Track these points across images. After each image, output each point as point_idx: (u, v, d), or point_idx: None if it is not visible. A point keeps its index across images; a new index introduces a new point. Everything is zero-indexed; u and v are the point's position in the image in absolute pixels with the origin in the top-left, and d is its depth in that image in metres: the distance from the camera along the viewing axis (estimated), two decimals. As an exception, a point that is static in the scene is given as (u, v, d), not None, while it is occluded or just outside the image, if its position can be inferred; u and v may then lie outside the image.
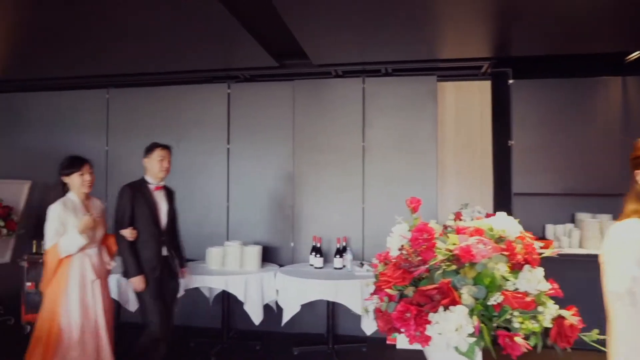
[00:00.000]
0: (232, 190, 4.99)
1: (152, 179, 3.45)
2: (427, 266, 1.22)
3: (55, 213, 3.03)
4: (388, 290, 1.26)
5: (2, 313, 5.06)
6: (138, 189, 3.39)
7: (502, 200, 4.57)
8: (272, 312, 4.31)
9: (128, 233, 3.23)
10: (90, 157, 5.27)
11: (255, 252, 4.33)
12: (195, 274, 4.09)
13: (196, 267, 4.40)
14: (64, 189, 3.20)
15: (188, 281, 3.76)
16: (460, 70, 4.79)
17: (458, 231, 1.35)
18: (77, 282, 3.06)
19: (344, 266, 4.31)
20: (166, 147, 3.50)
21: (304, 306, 3.99)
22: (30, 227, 5.19)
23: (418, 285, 1.26)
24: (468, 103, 4.89)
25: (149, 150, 3.48)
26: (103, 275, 3.27)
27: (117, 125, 5.29)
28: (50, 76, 5.23)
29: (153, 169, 3.44)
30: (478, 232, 1.35)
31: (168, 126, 5.14)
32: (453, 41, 4.19)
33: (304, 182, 4.86)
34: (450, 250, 1.26)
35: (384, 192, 4.74)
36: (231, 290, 4.04)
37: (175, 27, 3.77)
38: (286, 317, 4.00)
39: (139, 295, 3.31)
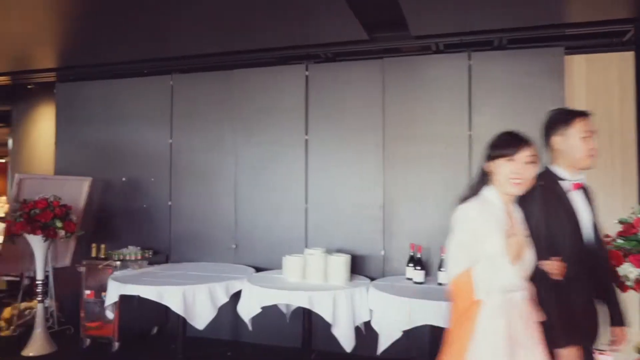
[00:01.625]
0: (310, 188, 4.29)
1: (569, 171, 2.07)
2: None
3: (467, 219, 1.85)
4: None
5: (63, 321, 4.64)
6: (551, 190, 2.02)
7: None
8: (359, 332, 3.56)
9: (554, 267, 1.86)
10: (153, 150, 4.87)
11: (342, 262, 3.60)
12: (272, 288, 3.42)
13: (271, 278, 3.74)
14: (483, 181, 1.94)
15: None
16: (594, 38, 3.84)
17: None
18: (494, 347, 1.76)
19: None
20: (589, 116, 2.11)
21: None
22: (90, 228, 4.75)
23: None
24: (604, 80, 3.91)
25: (564, 120, 2.07)
26: (535, 337, 1.84)
27: (181, 114, 4.73)
28: (112, 61, 4.77)
29: (573, 153, 2.03)
30: None
31: (238, 114, 4.52)
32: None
33: (397, 179, 4.08)
34: None
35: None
36: (317, 309, 3.32)
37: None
38: (384, 345, 3.22)
39: None
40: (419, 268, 3.60)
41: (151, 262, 4.36)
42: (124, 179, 4.83)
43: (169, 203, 4.67)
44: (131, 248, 4.35)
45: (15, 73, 5.26)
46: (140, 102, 4.86)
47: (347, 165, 4.20)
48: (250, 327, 3.50)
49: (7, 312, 4.60)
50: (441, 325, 3.09)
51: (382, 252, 4.07)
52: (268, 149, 4.41)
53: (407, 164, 4.07)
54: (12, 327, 4.48)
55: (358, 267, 4.04)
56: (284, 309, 3.94)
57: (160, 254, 4.59)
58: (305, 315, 3.69)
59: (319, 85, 4.30)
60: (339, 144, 4.22)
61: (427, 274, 3.66)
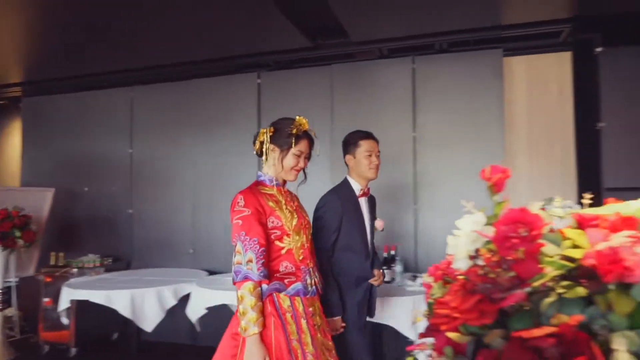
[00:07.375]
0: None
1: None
2: (528, 289, 0.54)
3: None
4: (452, 335, 0.59)
5: (27, 330, 4.72)
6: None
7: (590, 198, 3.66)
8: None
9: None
10: (113, 160, 5.01)
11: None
12: (219, 289, 3.50)
13: (221, 280, 3.81)
14: None
15: None
16: (531, 40, 3.96)
17: (582, 223, 0.64)
18: None
19: (392, 279, 3.57)
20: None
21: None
22: (54, 237, 4.86)
23: (509, 327, 0.57)
24: (542, 80, 4.02)
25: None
26: None
27: (141, 125, 4.87)
28: (75, 75, 4.93)
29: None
30: (627, 223, 0.63)
31: (194, 123, 4.64)
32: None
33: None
34: (573, 259, 0.57)
35: (442, 188, 3.97)
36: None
37: (201, 6, 3.28)
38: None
39: None
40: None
41: (112, 269, 4.45)
42: (86, 189, 4.95)
43: (130, 211, 4.78)
44: (90, 256, 4.45)
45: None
46: (102, 115, 4.99)
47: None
48: (198, 328, 3.58)
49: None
50: (376, 320, 3.17)
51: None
52: (224, 155, 4.53)
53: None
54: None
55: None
56: (235, 311, 4.01)
57: (121, 261, 4.69)
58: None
59: (270, 92, 4.43)
60: (291, 148, 4.33)
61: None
